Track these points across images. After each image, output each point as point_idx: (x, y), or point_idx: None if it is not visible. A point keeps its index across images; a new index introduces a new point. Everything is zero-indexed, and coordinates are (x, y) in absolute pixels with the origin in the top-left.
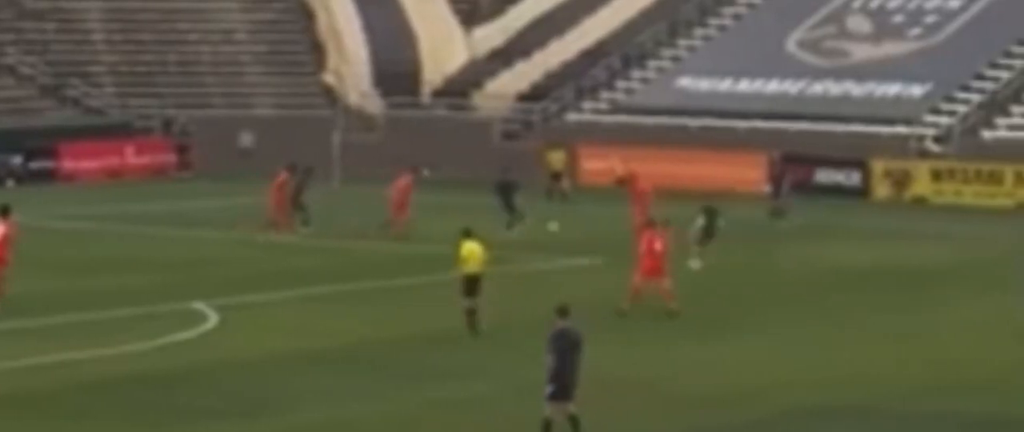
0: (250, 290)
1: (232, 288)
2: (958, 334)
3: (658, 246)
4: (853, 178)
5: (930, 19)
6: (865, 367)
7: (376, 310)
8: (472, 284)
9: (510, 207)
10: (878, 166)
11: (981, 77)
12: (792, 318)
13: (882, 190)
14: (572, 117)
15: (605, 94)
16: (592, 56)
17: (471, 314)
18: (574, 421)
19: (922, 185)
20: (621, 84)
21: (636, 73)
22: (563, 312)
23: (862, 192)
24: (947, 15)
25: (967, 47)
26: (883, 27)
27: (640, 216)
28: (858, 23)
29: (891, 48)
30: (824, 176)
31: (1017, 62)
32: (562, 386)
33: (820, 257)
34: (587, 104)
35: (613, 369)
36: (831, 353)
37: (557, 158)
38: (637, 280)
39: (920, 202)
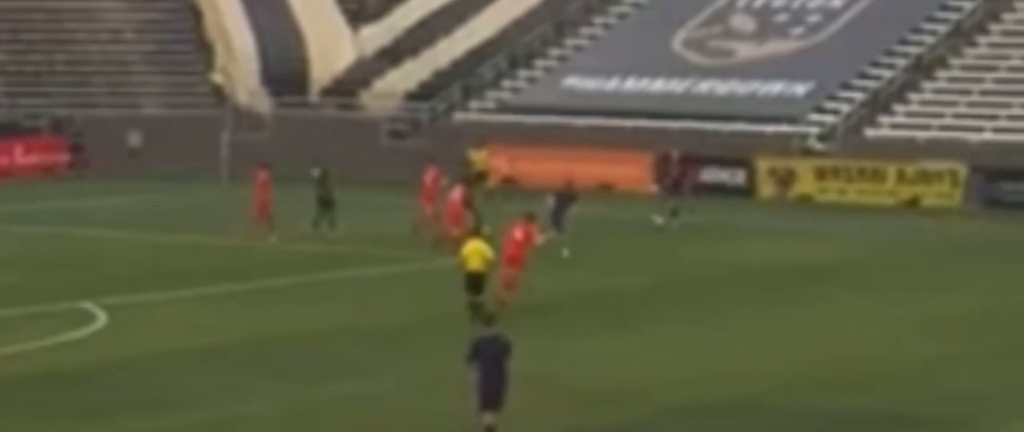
0: (141, 289)
1: (123, 287)
2: (841, 331)
3: (518, 235)
4: (738, 177)
5: (813, 18)
6: (751, 363)
7: (271, 308)
8: (475, 282)
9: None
10: (763, 165)
11: (864, 76)
12: (678, 315)
13: (767, 189)
14: (459, 116)
15: (492, 93)
16: (479, 55)
17: (476, 307)
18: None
19: (806, 183)
20: (508, 83)
21: (523, 72)
22: (489, 320)
23: (747, 191)
24: (830, 14)
25: (850, 46)
26: (767, 26)
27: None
28: (742, 22)
29: (775, 47)
30: (709, 175)
31: (899, 61)
32: (489, 395)
33: (706, 255)
34: (474, 103)
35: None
36: (717, 350)
37: (480, 158)
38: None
39: (804, 200)
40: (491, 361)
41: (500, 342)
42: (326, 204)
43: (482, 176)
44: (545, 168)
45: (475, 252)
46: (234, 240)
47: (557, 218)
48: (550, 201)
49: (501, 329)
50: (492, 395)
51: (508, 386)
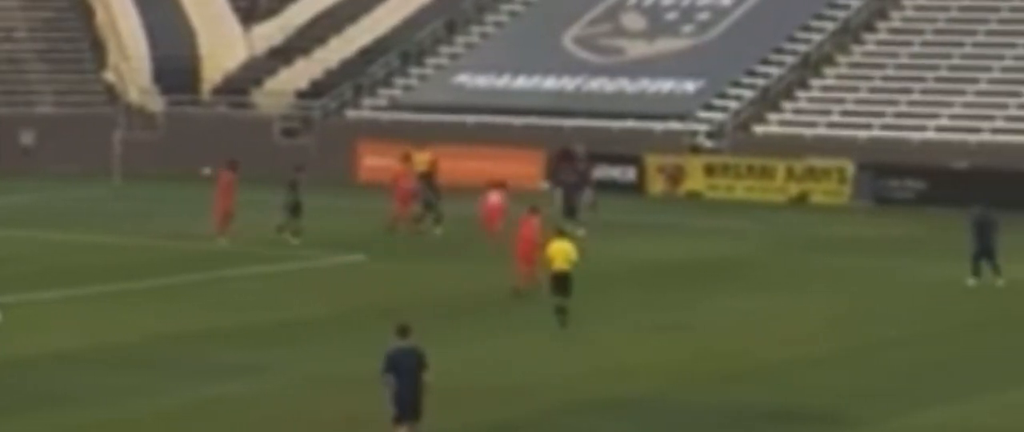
0: (36, 288)
1: (16, 286)
2: (732, 326)
3: (527, 233)
4: (628, 174)
5: (703, 16)
6: (640, 359)
7: (162, 307)
8: (559, 282)
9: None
10: (652, 162)
11: (752, 73)
12: (571, 313)
13: (657, 185)
14: (351, 114)
15: (384, 91)
16: (371, 53)
17: (561, 312)
18: None
19: (696, 180)
20: (400, 81)
21: (415, 70)
22: (403, 331)
23: (637, 188)
24: (719, 12)
25: (739, 44)
26: (657, 24)
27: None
28: (633, 20)
29: (665, 45)
30: (600, 172)
31: (788, 58)
32: (405, 407)
33: (596, 252)
34: (366, 101)
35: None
36: (607, 346)
37: (423, 159)
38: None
39: (694, 197)
40: (407, 373)
41: (416, 354)
42: (294, 210)
43: (425, 177)
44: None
45: (559, 252)
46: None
47: (570, 210)
48: (557, 194)
49: (417, 341)
50: (408, 407)
51: (424, 398)
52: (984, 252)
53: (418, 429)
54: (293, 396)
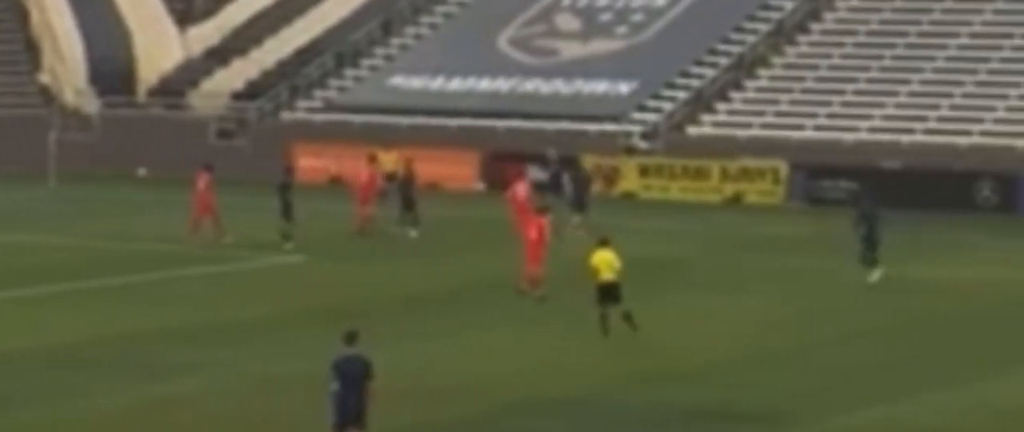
0: None
1: None
2: (669, 326)
3: (534, 234)
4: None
5: (637, 17)
6: (580, 359)
7: (107, 307)
8: (607, 291)
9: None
10: (587, 163)
11: (686, 75)
12: (509, 313)
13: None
14: (287, 116)
15: (319, 92)
16: (306, 54)
17: (605, 319)
18: None
19: (630, 181)
20: (334, 82)
21: (349, 71)
22: (350, 338)
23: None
24: (653, 13)
25: (673, 45)
26: (591, 25)
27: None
28: (567, 21)
29: (599, 46)
30: (534, 173)
31: (722, 59)
32: (348, 414)
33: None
34: (302, 102)
35: (325, 365)
36: (547, 346)
37: (390, 159)
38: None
39: (629, 198)
40: (351, 380)
41: (361, 361)
42: (286, 212)
43: (391, 178)
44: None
45: (604, 262)
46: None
47: (580, 203)
48: (568, 187)
49: (362, 349)
50: (351, 414)
51: (369, 406)
52: (868, 246)
53: None
54: (237, 396)
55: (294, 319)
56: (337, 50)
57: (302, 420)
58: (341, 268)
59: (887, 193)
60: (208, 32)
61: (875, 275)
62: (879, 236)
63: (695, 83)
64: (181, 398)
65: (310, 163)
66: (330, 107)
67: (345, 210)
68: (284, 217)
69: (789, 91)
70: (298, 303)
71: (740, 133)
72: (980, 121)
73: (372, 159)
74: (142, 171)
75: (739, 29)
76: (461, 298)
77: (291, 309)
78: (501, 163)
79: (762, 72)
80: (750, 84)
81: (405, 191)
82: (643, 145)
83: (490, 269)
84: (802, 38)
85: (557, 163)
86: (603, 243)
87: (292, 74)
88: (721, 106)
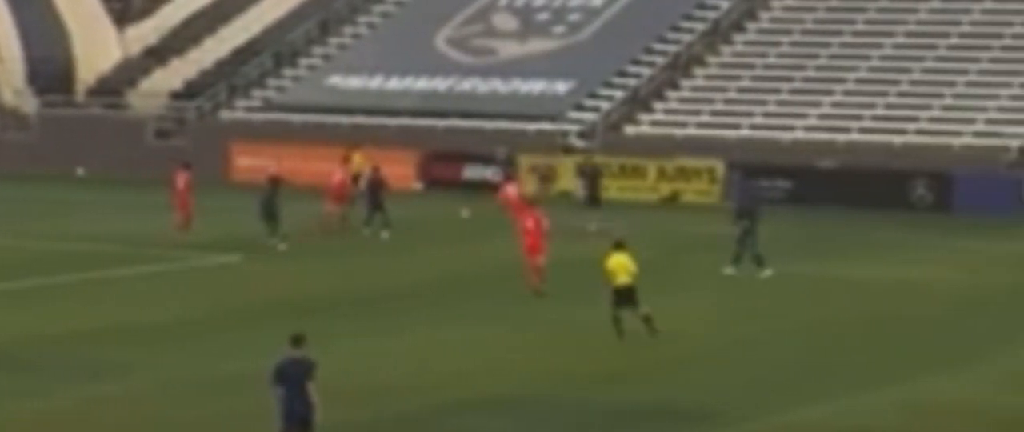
0: None
1: None
2: (605, 326)
3: (530, 224)
4: (500, 174)
5: (574, 17)
6: (522, 358)
7: (41, 307)
8: (624, 295)
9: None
10: (525, 162)
11: (623, 74)
12: (447, 312)
13: (529, 186)
14: (225, 115)
15: (257, 92)
16: (245, 54)
17: (618, 322)
18: None
19: (567, 180)
20: (273, 82)
21: (288, 71)
22: (297, 341)
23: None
24: (590, 13)
25: (610, 44)
26: (529, 25)
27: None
28: (504, 21)
29: (536, 45)
30: (472, 172)
31: (658, 59)
32: (292, 418)
33: (469, 253)
34: (240, 102)
35: (264, 365)
36: (492, 346)
37: (358, 160)
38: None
39: (566, 197)
40: (295, 383)
41: (305, 364)
42: (269, 215)
43: (356, 179)
44: (311, 167)
45: (619, 265)
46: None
47: (594, 199)
48: (578, 185)
49: (306, 352)
50: (296, 418)
51: (314, 409)
52: (748, 242)
53: None
54: (174, 397)
55: (232, 319)
56: (275, 50)
57: (240, 421)
58: (281, 268)
59: (823, 192)
60: (146, 32)
61: (767, 272)
62: (757, 231)
63: (632, 82)
64: (118, 399)
65: (249, 163)
66: (268, 107)
67: (284, 209)
68: (268, 220)
69: (725, 90)
70: (236, 303)
71: (677, 132)
72: (915, 120)
73: (346, 160)
74: (80, 171)
75: (675, 28)
76: (403, 297)
77: (229, 309)
78: (439, 163)
79: (698, 71)
80: (686, 83)
81: (374, 193)
82: (580, 144)
83: (431, 268)
84: (738, 37)
85: (505, 162)
86: (618, 246)
87: (230, 74)
88: (658, 105)
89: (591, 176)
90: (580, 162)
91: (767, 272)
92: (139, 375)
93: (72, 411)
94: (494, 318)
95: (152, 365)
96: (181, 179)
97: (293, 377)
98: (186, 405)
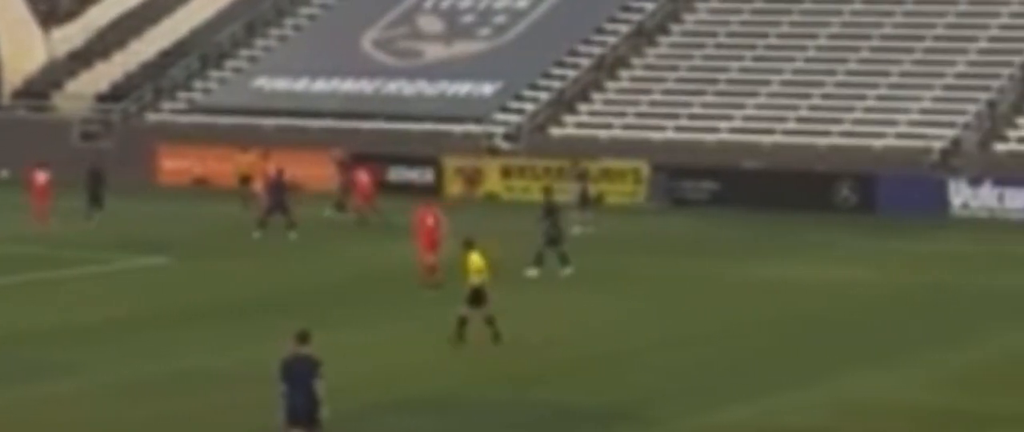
0: None
1: None
2: (530, 326)
3: (430, 221)
4: (426, 176)
5: (499, 19)
6: (442, 358)
7: None
8: (473, 295)
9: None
10: (450, 164)
11: (548, 76)
12: (369, 313)
13: (454, 187)
14: (151, 117)
15: (183, 94)
16: (171, 56)
17: (463, 323)
18: None
19: (493, 182)
20: (199, 84)
21: (214, 73)
22: (303, 338)
23: (435, 189)
24: (515, 15)
25: (535, 47)
26: (454, 27)
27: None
28: (430, 23)
29: (462, 48)
30: (397, 174)
31: (583, 61)
32: (297, 413)
33: (393, 254)
34: (166, 104)
35: (197, 365)
36: (408, 346)
37: (247, 161)
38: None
39: (491, 198)
40: (299, 379)
41: (310, 362)
42: (95, 199)
43: (245, 180)
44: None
45: (473, 264)
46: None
47: (585, 201)
48: (575, 187)
49: (313, 348)
50: (300, 413)
51: (319, 405)
52: (552, 241)
53: None
54: (110, 397)
55: (164, 320)
56: (201, 52)
57: (179, 420)
58: (204, 269)
59: (748, 193)
60: (72, 34)
61: (568, 270)
62: (562, 231)
63: (557, 84)
64: (64, 398)
65: (175, 165)
66: (194, 109)
67: (211, 211)
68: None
69: (650, 92)
70: (167, 304)
71: (602, 134)
72: (839, 122)
73: (265, 156)
74: (4, 173)
75: (600, 30)
76: (330, 297)
77: (160, 310)
78: (362, 164)
79: (623, 73)
80: (611, 85)
81: (277, 195)
82: (505, 146)
83: (358, 268)
84: (663, 39)
85: (345, 163)
86: (469, 245)
87: (156, 76)
88: (583, 107)
89: (581, 178)
90: (570, 166)
91: (569, 270)
92: (83, 375)
93: (8, 412)
94: (418, 317)
95: (94, 365)
96: (40, 178)
97: (297, 374)
98: (133, 404)
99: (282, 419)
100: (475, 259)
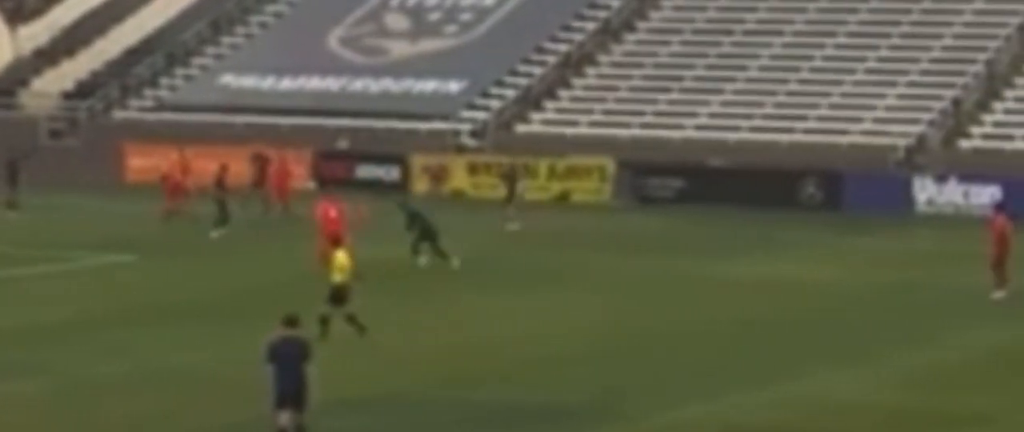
0: None
1: None
2: (493, 324)
3: (333, 213)
4: (393, 173)
5: (466, 16)
6: (401, 357)
7: None
8: (335, 293)
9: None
10: (417, 161)
11: (515, 73)
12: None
13: (421, 184)
14: (118, 115)
15: (150, 92)
16: (137, 54)
17: (326, 322)
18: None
19: (459, 179)
20: (165, 81)
21: (180, 70)
22: (291, 322)
23: (402, 187)
24: (482, 12)
25: (502, 44)
26: (420, 24)
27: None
28: (396, 21)
29: (428, 45)
30: (365, 171)
31: (550, 58)
32: (285, 395)
33: (361, 251)
34: (133, 102)
35: (163, 363)
36: (365, 345)
37: (182, 158)
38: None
39: (458, 196)
40: (288, 362)
41: (300, 344)
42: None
43: (164, 178)
44: (202, 166)
45: (337, 262)
46: None
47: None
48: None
49: (302, 331)
50: (288, 395)
51: (308, 388)
52: (426, 236)
53: (302, 419)
54: (71, 397)
55: (127, 318)
56: (168, 49)
57: (144, 419)
58: (176, 266)
59: (714, 191)
60: (38, 31)
61: (455, 262)
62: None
63: (523, 81)
64: (19, 399)
65: (141, 163)
66: (161, 106)
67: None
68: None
69: (616, 89)
70: (131, 302)
71: (568, 131)
72: (804, 119)
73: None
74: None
75: (567, 27)
76: (290, 293)
77: (124, 308)
78: (331, 162)
79: (590, 70)
80: (578, 82)
81: (218, 194)
82: (472, 143)
83: (293, 266)
84: (629, 36)
85: (259, 159)
86: (336, 243)
87: (123, 74)
88: (549, 104)
89: (510, 178)
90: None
91: (422, 260)
92: (47, 374)
93: None
94: (368, 318)
95: (59, 364)
96: None
97: (285, 356)
98: (98, 404)
99: (271, 400)
100: (340, 257)
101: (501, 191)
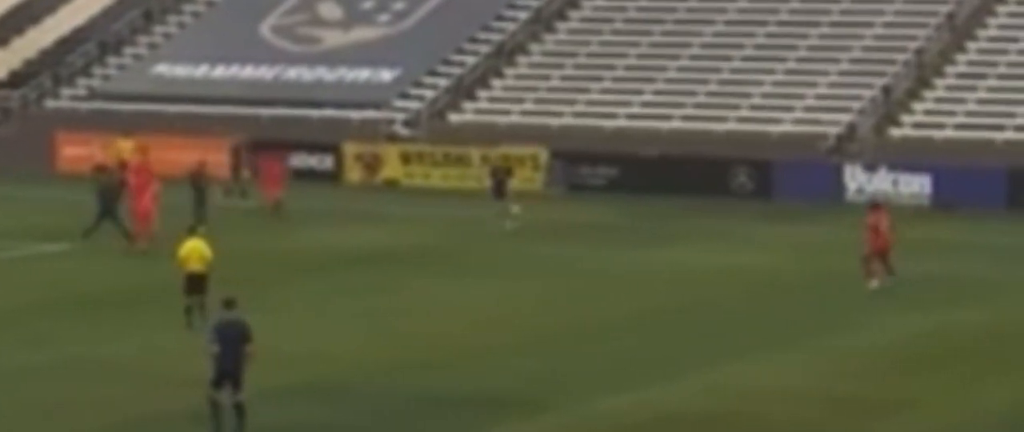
0: None
1: None
2: (430, 313)
3: (155, 187)
4: (326, 162)
5: (399, 5)
6: (341, 346)
7: None
8: (194, 283)
9: None
10: (350, 150)
11: (448, 62)
12: (268, 300)
13: (354, 174)
14: (51, 104)
15: (82, 81)
16: (70, 43)
17: (190, 311)
18: (239, 408)
19: (393, 168)
20: (98, 71)
21: (113, 59)
22: (229, 304)
23: (334, 176)
24: (414, 2)
25: (434, 33)
26: (353, 13)
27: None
28: (329, 9)
29: (361, 34)
30: (298, 161)
31: (482, 47)
32: (224, 374)
33: (293, 240)
34: (66, 91)
35: (85, 353)
36: (302, 332)
37: (126, 147)
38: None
39: (391, 185)
40: (230, 343)
41: (240, 325)
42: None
43: (123, 166)
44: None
45: (194, 252)
46: None
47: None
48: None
49: (240, 313)
50: (228, 374)
51: (245, 368)
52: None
53: (239, 396)
54: (17, 382)
55: (56, 307)
56: (100, 39)
57: (54, 408)
58: (109, 256)
59: (645, 179)
60: None
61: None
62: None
63: (456, 70)
64: None
65: (75, 152)
66: (94, 95)
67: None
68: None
69: (548, 79)
70: (62, 291)
71: (501, 120)
72: (736, 108)
73: (142, 150)
74: None
75: (499, 17)
76: (228, 282)
77: (54, 297)
78: (263, 151)
79: (522, 60)
80: (510, 72)
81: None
82: (405, 132)
83: (248, 256)
84: (561, 26)
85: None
86: (192, 232)
87: (55, 63)
88: (482, 93)
89: (498, 175)
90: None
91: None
92: None
93: None
94: (309, 305)
95: None
96: None
97: (228, 337)
98: (11, 391)
99: (211, 377)
100: (200, 246)
101: (438, 181)
